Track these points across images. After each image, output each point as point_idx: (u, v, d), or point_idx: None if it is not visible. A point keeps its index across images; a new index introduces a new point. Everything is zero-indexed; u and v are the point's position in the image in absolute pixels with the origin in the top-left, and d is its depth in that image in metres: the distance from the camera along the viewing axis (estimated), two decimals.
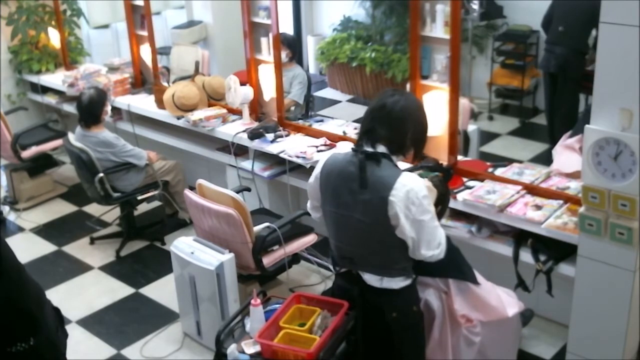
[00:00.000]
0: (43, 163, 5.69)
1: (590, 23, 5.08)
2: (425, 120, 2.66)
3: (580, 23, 5.13)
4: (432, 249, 2.56)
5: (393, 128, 2.55)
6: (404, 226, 2.50)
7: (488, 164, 3.81)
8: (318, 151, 4.12)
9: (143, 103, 5.30)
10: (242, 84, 4.65)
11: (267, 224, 3.70)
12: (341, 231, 2.70)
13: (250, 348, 2.67)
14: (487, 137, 5.94)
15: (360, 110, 3.11)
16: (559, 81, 5.33)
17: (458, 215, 3.55)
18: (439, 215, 2.98)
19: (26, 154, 5.43)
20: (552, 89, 5.46)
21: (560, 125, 5.44)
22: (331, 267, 2.88)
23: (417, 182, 2.53)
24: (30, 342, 2.42)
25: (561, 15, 5.31)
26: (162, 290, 4.32)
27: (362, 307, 2.71)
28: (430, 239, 2.55)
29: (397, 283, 2.66)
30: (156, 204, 5.21)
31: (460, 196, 3.48)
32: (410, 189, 2.48)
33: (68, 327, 4.08)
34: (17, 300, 2.38)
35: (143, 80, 5.58)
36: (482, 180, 3.60)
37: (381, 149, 2.56)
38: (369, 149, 2.56)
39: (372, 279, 2.68)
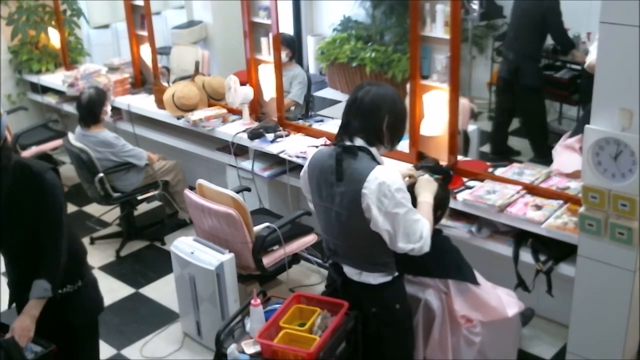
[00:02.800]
0: None
1: (540, 29, 5.08)
2: (400, 107, 2.66)
3: (530, 29, 5.12)
4: (412, 242, 2.55)
5: (366, 119, 2.58)
6: (377, 219, 2.53)
7: (488, 164, 3.82)
8: None
9: (143, 103, 5.30)
10: (242, 84, 4.65)
11: (267, 224, 3.70)
12: (325, 223, 2.75)
13: (250, 348, 2.67)
14: (487, 137, 5.93)
15: None
16: (514, 88, 5.32)
17: (458, 215, 3.55)
18: (438, 219, 2.99)
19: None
20: (504, 95, 5.47)
21: (529, 135, 5.47)
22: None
23: (391, 175, 2.54)
24: (78, 284, 2.68)
25: (513, 22, 5.33)
26: (162, 290, 4.32)
27: (345, 299, 2.75)
28: (409, 232, 2.54)
29: (376, 278, 2.68)
30: (156, 204, 5.21)
31: (460, 196, 3.48)
32: (382, 182, 2.50)
33: None
34: (72, 241, 2.55)
35: (143, 80, 5.58)
36: (482, 180, 3.60)
37: (359, 142, 2.60)
38: (347, 143, 2.60)
39: (351, 272, 2.73)
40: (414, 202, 2.69)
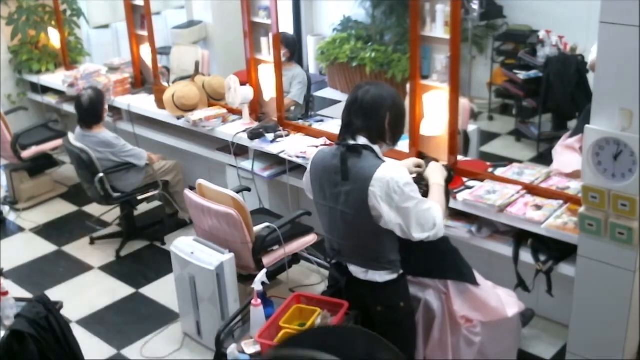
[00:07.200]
0: (43, 163, 5.68)
1: None
2: (400, 104, 2.69)
3: None
4: (427, 231, 2.59)
5: (368, 117, 2.61)
6: (388, 215, 2.54)
7: (488, 164, 3.82)
8: None
9: (143, 103, 5.30)
10: (242, 84, 4.65)
11: (267, 224, 3.70)
12: (329, 223, 2.76)
13: (250, 348, 2.67)
14: (487, 137, 5.93)
15: None
16: None
17: (458, 215, 3.54)
18: None
19: (26, 154, 5.42)
20: None
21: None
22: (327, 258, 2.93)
23: (397, 171, 2.56)
24: None
25: None
26: (162, 290, 4.32)
27: (349, 298, 2.75)
28: (423, 222, 2.58)
29: (382, 276, 2.69)
30: (156, 204, 5.20)
31: (460, 196, 3.48)
32: (390, 179, 2.52)
33: None
34: None
35: (143, 80, 5.57)
36: (482, 180, 3.60)
37: (362, 140, 2.62)
38: (351, 142, 2.62)
39: (357, 271, 2.74)
40: (424, 191, 2.71)
